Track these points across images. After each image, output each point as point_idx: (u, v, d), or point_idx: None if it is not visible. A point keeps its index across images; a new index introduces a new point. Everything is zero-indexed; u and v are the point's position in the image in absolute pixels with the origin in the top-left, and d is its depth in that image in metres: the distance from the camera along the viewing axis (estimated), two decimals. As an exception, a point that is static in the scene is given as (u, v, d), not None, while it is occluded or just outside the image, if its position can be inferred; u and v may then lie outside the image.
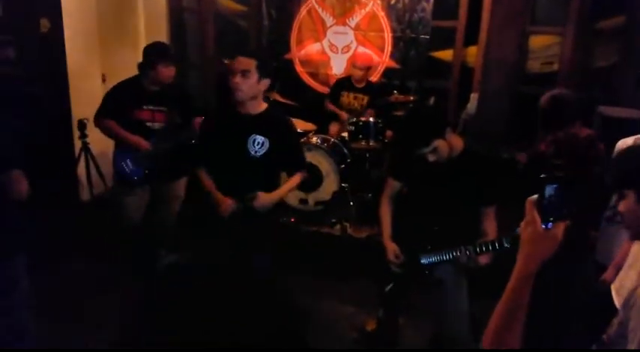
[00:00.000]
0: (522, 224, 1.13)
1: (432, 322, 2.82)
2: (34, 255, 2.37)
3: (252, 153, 2.65)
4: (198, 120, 3.18)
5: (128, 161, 3.36)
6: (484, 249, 2.12)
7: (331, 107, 5.07)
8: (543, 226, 1.09)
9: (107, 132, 3.36)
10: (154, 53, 3.28)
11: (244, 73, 2.56)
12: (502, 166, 2.94)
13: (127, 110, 3.29)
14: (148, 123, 3.35)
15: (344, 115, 4.94)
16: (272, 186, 2.78)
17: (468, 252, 2.14)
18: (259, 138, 2.65)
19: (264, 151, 2.66)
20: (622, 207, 1.30)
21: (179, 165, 3.53)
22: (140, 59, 3.36)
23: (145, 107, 3.32)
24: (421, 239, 2.44)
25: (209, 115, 3.04)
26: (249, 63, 2.57)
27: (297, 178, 2.83)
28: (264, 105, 2.73)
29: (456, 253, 2.22)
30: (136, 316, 3.17)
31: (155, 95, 3.34)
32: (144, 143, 3.30)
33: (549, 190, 1.08)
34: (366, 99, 4.96)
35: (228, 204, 2.69)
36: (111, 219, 3.72)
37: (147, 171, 3.38)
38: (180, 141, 3.37)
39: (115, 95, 3.33)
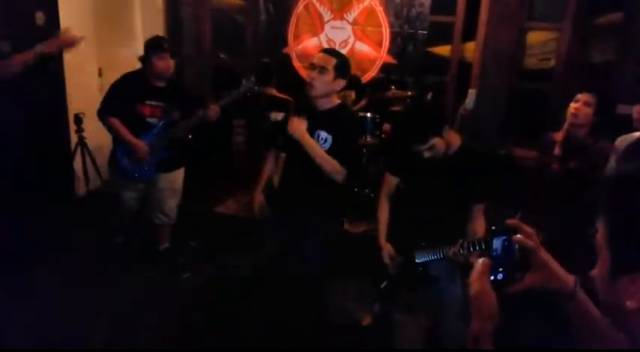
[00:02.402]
0: (470, 280, 1.07)
1: (428, 318, 2.83)
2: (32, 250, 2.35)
3: None
4: (214, 107, 3.28)
5: (129, 159, 3.36)
6: (477, 247, 2.10)
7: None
8: (492, 277, 1.03)
9: (108, 127, 3.34)
10: (147, 46, 3.29)
11: (322, 70, 2.56)
12: (498, 164, 2.91)
13: (131, 104, 3.29)
14: (148, 119, 3.34)
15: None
16: (334, 181, 2.64)
17: (461, 250, 2.13)
18: (323, 134, 2.62)
19: (327, 147, 2.60)
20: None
21: (176, 157, 3.53)
22: (138, 53, 3.37)
23: (147, 102, 3.33)
24: (416, 235, 2.44)
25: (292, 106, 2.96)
26: (328, 60, 2.57)
27: (336, 164, 2.59)
28: (335, 102, 2.70)
29: (449, 251, 2.21)
30: (134, 311, 3.17)
31: (158, 91, 3.35)
32: (143, 148, 3.29)
33: (497, 243, 1.03)
34: (352, 94, 4.85)
35: (259, 201, 2.84)
36: (109, 211, 3.69)
37: (146, 168, 3.40)
38: (176, 138, 3.41)
39: (121, 88, 3.32)
